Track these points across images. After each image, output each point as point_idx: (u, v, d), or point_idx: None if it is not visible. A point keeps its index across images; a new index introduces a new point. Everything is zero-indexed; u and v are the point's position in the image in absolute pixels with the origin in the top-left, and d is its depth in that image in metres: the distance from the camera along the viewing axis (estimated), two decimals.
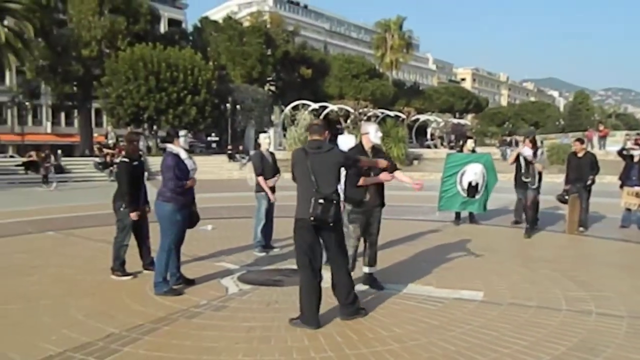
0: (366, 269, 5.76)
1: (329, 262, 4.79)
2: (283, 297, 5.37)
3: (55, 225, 10.52)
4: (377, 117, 43.94)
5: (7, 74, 43.50)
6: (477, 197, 10.15)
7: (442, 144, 57.14)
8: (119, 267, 6.24)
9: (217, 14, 56.33)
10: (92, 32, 35.29)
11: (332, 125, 46.21)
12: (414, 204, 13.30)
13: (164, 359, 3.90)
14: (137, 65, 31.19)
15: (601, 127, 36.16)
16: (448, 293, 5.53)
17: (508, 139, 40.65)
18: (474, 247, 8.10)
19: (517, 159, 9.58)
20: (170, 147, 5.72)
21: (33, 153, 26.45)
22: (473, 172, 10.16)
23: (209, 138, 48.96)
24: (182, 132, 5.32)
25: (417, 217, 11.44)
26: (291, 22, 55.64)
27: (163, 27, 50.67)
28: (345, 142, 6.66)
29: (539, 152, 9.53)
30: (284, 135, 33.30)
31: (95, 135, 42.44)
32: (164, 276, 5.54)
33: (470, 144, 10.99)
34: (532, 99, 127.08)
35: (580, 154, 10.09)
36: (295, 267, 5.56)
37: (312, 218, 4.42)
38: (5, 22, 30.80)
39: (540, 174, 9.35)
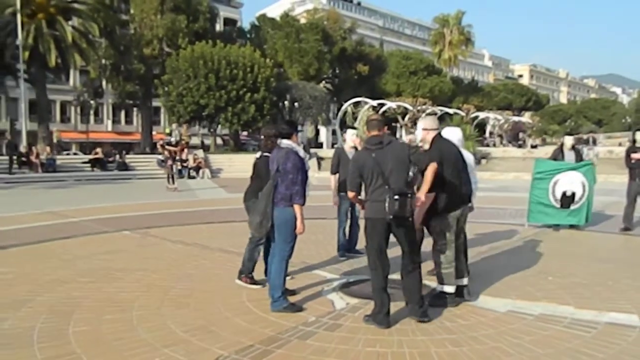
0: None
1: (403, 260, 4.57)
2: (399, 314, 4.68)
3: (130, 224, 10.25)
4: (436, 114, 42.75)
5: (71, 73, 44.79)
6: (572, 207, 9.21)
7: (501, 143, 55.34)
8: (250, 272, 5.67)
9: (271, 12, 56.24)
10: (153, 30, 35.78)
11: (389, 123, 45.36)
12: (495, 206, 12.36)
13: None
14: (198, 63, 31.27)
15: None
16: (594, 315, 4.71)
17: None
18: (591, 258, 7.20)
19: None
20: (289, 144, 4.85)
21: (99, 150, 26.90)
22: (569, 181, 9.21)
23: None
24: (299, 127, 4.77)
25: (504, 221, 10.49)
26: (345, 19, 54.82)
27: (219, 26, 50.93)
28: (452, 133, 5.82)
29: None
30: (342, 134, 32.77)
31: (153, 133, 43.15)
32: (284, 290, 4.89)
33: (568, 140, 10.01)
34: (593, 95, 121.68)
35: None
36: None
37: (390, 216, 4.26)
38: (71, 23, 31.59)
39: None
